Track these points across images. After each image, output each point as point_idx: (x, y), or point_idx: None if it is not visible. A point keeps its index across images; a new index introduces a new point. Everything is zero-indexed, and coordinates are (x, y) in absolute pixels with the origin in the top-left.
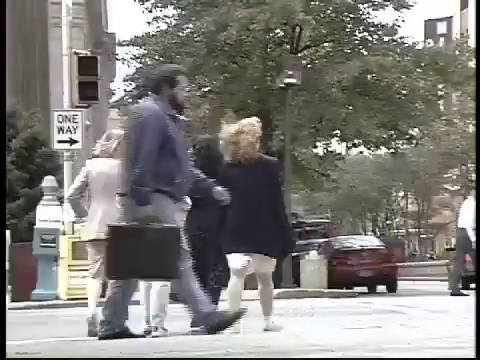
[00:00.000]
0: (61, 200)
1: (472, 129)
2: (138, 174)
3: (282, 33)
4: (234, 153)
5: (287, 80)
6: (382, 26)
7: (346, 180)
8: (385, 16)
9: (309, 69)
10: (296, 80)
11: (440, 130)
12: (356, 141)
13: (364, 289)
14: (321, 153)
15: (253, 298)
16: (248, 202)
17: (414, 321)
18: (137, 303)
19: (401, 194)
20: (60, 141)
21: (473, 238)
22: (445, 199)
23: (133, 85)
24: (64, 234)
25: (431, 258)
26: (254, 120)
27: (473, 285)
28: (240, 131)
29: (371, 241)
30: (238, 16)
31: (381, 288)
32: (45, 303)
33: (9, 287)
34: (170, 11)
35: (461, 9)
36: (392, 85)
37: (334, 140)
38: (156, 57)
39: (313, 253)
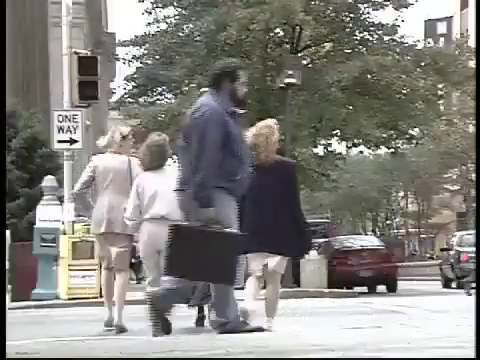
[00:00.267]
0: (61, 200)
1: (472, 129)
2: (201, 177)
3: (282, 33)
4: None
5: (287, 80)
6: (382, 26)
7: (346, 180)
8: (385, 16)
9: (309, 69)
10: (296, 80)
11: (440, 130)
12: (356, 141)
13: (364, 289)
14: (321, 153)
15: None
16: (266, 203)
17: (414, 321)
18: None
19: (401, 194)
20: (60, 141)
21: None
22: (445, 199)
23: (133, 84)
24: (64, 234)
25: (431, 258)
26: (272, 122)
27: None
28: (258, 134)
29: (371, 241)
30: (238, 16)
31: (381, 288)
32: (45, 303)
33: (9, 287)
34: (170, 11)
35: (461, 9)
36: (392, 85)
37: (334, 140)
38: (156, 57)
39: (313, 253)
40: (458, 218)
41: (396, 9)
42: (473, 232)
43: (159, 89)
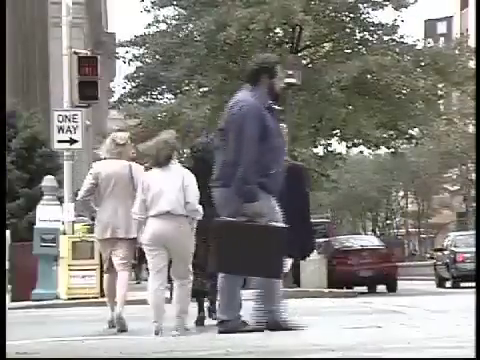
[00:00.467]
0: (61, 200)
1: (472, 129)
2: (244, 170)
3: (282, 33)
4: None
5: (287, 80)
6: (382, 26)
7: (346, 180)
8: (385, 16)
9: (309, 69)
10: (296, 80)
11: (440, 130)
12: (356, 141)
13: (364, 289)
14: (321, 153)
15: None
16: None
17: (414, 321)
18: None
19: (401, 194)
20: (60, 141)
21: None
22: (445, 199)
23: (133, 84)
24: (64, 234)
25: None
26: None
27: (465, 284)
28: None
29: (371, 241)
30: (238, 16)
31: (381, 288)
32: (45, 303)
33: (9, 287)
34: (170, 11)
35: (461, 9)
36: (392, 85)
37: (334, 140)
38: (156, 57)
39: (313, 253)
40: (458, 218)
41: (396, 9)
42: (467, 233)
43: (159, 89)
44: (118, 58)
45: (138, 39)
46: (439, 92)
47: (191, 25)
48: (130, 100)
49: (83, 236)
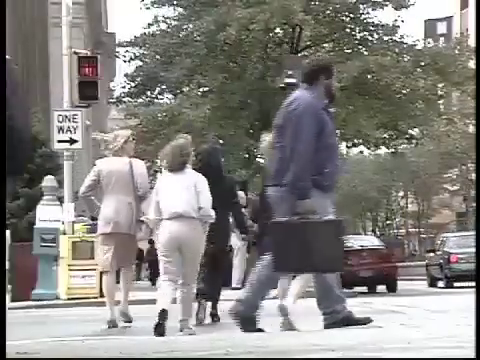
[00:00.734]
0: (61, 200)
1: (472, 129)
2: (298, 169)
3: (282, 33)
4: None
5: (287, 80)
6: (382, 26)
7: (346, 180)
8: (385, 16)
9: None
10: (296, 80)
11: (440, 130)
12: (356, 141)
13: (364, 289)
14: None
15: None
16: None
17: (414, 321)
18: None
19: (401, 194)
20: (60, 141)
21: None
22: (445, 199)
23: (132, 84)
24: (64, 234)
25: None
26: None
27: (458, 284)
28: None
29: (371, 241)
30: (238, 16)
31: (381, 288)
32: (45, 303)
33: (9, 287)
34: (170, 12)
35: (461, 9)
36: (392, 85)
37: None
38: (156, 57)
39: None
40: (458, 218)
41: (396, 9)
42: (460, 234)
43: (159, 89)
44: (118, 57)
45: (138, 39)
46: (439, 92)
47: (191, 25)
48: (130, 99)
49: (83, 236)
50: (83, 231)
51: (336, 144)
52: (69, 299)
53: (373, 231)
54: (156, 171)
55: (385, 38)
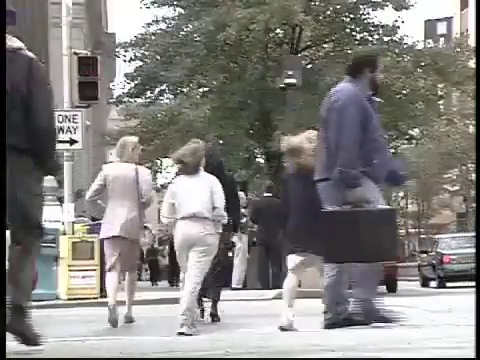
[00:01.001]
0: (61, 200)
1: (472, 129)
2: (345, 157)
3: (282, 33)
4: (294, 164)
5: (287, 80)
6: (382, 26)
7: None
8: (385, 16)
9: (309, 69)
10: (296, 80)
11: (440, 130)
12: None
13: None
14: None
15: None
16: (305, 208)
17: (414, 321)
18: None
19: (401, 194)
20: (60, 141)
21: None
22: (445, 199)
23: (132, 85)
24: (64, 234)
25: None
26: (312, 135)
27: (450, 284)
28: (300, 146)
29: None
30: (238, 16)
31: (381, 288)
32: (45, 303)
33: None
34: (169, 12)
35: (461, 9)
36: (392, 85)
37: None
38: (156, 57)
39: None
40: (458, 218)
41: (396, 10)
42: (452, 235)
43: (158, 89)
44: (118, 56)
45: (138, 40)
46: (439, 92)
47: (191, 25)
48: (130, 100)
49: (83, 236)
50: (83, 231)
51: (381, 136)
52: (69, 299)
53: None
54: (156, 171)
55: (385, 38)
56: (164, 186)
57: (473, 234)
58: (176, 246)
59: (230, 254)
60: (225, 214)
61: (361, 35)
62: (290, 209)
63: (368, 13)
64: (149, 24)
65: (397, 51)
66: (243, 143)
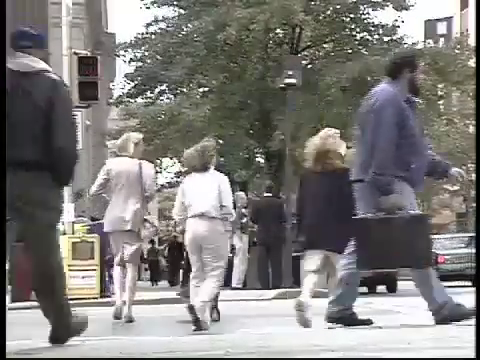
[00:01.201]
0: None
1: (472, 129)
2: (380, 159)
3: (282, 33)
4: (315, 162)
5: (287, 80)
6: (382, 26)
7: None
8: (385, 16)
9: (309, 69)
10: (296, 80)
11: (440, 130)
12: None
13: (364, 289)
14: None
15: (257, 298)
16: (322, 205)
17: (414, 321)
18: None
19: None
20: None
21: None
22: (445, 199)
23: (132, 85)
24: (64, 234)
25: None
26: (334, 132)
27: (444, 284)
28: (323, 144)
29: None
30: (238, 16)
31: (381, 288)
32: None
33: (9, 287)
34: (170, 12)
35: (461, 9)
36: None
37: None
38: (156, 57)
39: None
40: (458, 218)
41: (396, 10)
42: (445, 236)
43: (158, 90)
44: (118, 56)
45: (138, 40)
46: (439, 92)
47: (191, 25)
48: (130, 100)
49: (83, 236)
50: (83, 231)
51: (420, 138)
52: (69, 299)
53: None
54: (157, 171)
55: (385, 38)
56: (164, 186)
57: (467, 235)
58: (186, 244)
59: (230, 254)
60: (233, 212)
61: (361, 35)
62: (308, 207)
63: (368, 13)
64: (149, 24)
65: (397, 51)
66: (243, 143)
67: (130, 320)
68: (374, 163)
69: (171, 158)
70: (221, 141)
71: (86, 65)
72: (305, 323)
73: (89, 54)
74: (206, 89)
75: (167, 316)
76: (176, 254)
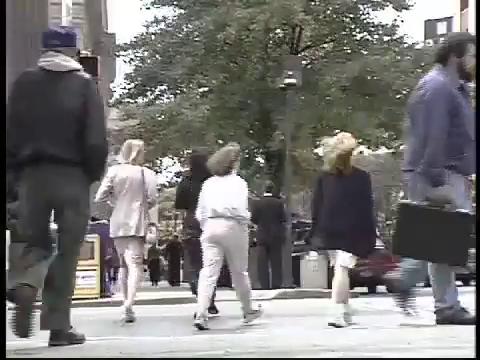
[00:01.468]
0: None
1: None
2: (431, 153)
3: (282, 33)
4: (331, 164)
5: (287, 80)
6: (382, 26)
7: None
8: (385, 16)
9: (309, 69)
10: (296, 80)
11: None
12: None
13: (364, 289)
14: (321, 153)
15: (257, 298)
16: (341, 207)
17: (414, 321)
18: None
19: (401, 194)
20: None
21: None
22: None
23: (132, 85)
24: None
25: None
26: (349, 135)
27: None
28: (337, 146)
29: None
30: (238, 16)
31: (381, 288)
32: None
33: None
34: (170, 12)
35: (461, 9)
36: (392, 85)
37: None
38: (156, 57)
39: (313, 253)
40: None
41: (396, 10)
42: None
43: (158, 90)
44: (118, 56)
45: (138, 41)
46: None
47: (191, 25)
48: (130, 100)
49: None
50: None
51: (473, 125)
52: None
53: None
54: (157, 172)
55: (385, 38)
56: (164, 186)
57: None
58: (204, 240)
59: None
60: (244, 214)
61: (361, 35)
62: (328, 209)
63: (368, 13)
64: (148, 26)
65: (397, 50)
66: (243, 143)
67: (130, 320)
68: (426, 153)
69: (171, 158)
70: (221, 141)
71: (86, 65)
72: (349, 322)
73: (89, 54)
74: (206, 89)
75: (167, 316)
76: (176, 254)
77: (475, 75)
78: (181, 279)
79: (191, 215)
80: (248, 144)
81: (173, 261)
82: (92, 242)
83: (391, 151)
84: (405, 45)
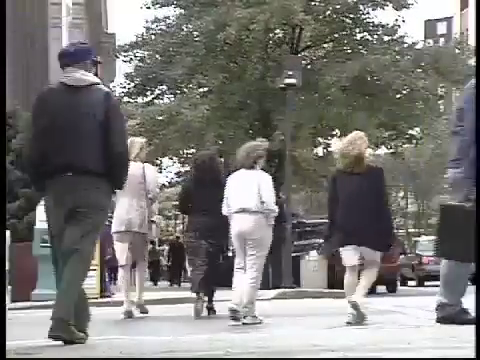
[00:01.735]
0: None
1: None
2: (475, 150)
3: (282, 33)
4: (345, 163)
5: (287, 80)
6: (382, 26)
7: None
8: (385, 16)
9: (309, 69)
10: (296, 80)
11: (440, 130)
12: None
13: None
14: (321, 153)
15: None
16: (356, 204)
17: (414, 321)
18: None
19: (401, 194)
20: None
21: None
22: (445, 199)
23: (131, 85)
24: None
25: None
26: (362, 134)
27: (428, 283)
28: (350, 146)
29: None
30: (238, 16)
31: (381, 288)
32: (45, 303)
33: (9, 287)
34: (170, 12)
35: (461, 9)
36: (392, 84)
37: (334, 140)
38: (156, 56)
39: (313, 253)
40: None
41: (396, 9)
42: (430, 238)
43: (157, 90)
44: (118, 57)
45: (138, 41)
46: (439, 92)
47: (191, 25)
48: (129, 100)
49: None
50: None
51: None
52: None
53: None
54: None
55: (385, 38)
56: (164, 186)
57: None
58: (232, 237)
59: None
60: (273, 208)
61: (361, 35)
62: (345, 207)
63: (368, 13)
64: (148, 28)
65: (397, 50)
66: (243, 143)
67: (144, 311)
68: (471, 153)
69: (171, 158)
70: (221, 141)
71: None
72: (362, 320)
73: None
74: (206, 89)
75: (167, 316)
76: (178, 255)
77: (475, 75)
78: (182, 280)
79: (192, 219)
80: None
81: (175, 261)
82: None
83: (391, 151)
84: (405, 45)
